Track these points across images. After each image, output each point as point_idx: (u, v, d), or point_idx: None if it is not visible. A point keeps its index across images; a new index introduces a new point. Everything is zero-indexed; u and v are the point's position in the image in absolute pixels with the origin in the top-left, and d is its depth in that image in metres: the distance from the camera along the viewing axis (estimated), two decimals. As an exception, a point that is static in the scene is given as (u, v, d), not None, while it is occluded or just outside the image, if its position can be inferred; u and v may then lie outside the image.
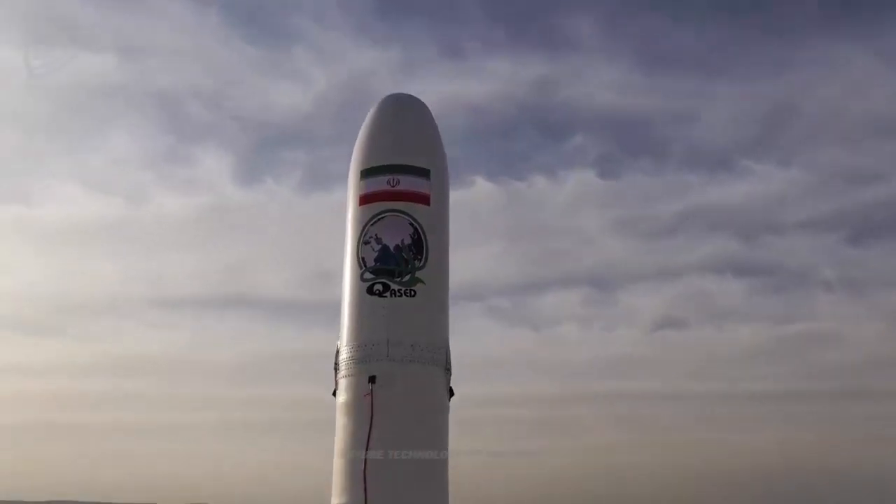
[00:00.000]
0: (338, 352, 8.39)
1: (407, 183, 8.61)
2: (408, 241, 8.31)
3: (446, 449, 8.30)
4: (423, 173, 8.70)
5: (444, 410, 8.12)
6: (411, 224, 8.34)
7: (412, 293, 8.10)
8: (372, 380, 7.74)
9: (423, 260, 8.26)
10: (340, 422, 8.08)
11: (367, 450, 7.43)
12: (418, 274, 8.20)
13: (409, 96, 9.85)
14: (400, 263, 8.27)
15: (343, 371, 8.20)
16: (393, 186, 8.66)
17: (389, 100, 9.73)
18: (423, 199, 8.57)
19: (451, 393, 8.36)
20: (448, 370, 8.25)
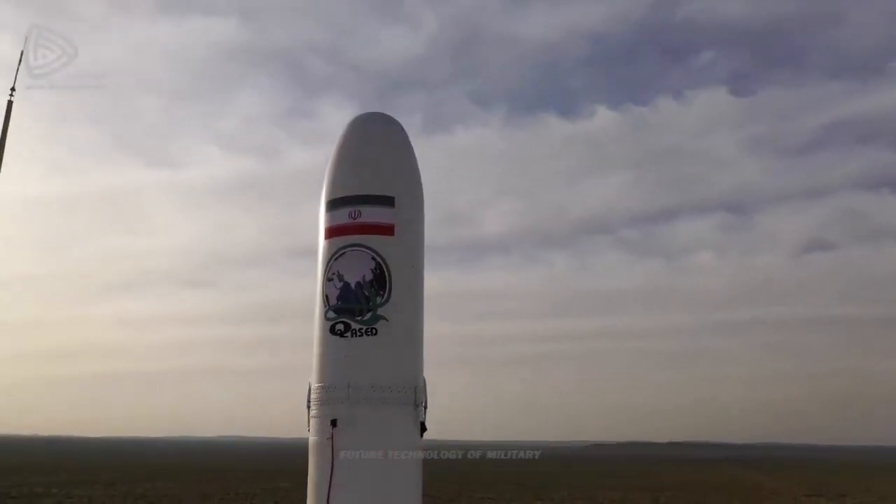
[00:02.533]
0: (310, 389, 8.44)
1: (369, 214, 8.21)
2: (369, 276, 8.08)
3: (416, 485, 8.24)
4: (387, 202, 8.31)
5: (412, 448, 7.96)
6: (373, 258, 8.12)
7: (373, 332, 7.88)
8: (333, 423, 7.75)
9: (385, 296, 7.99)
10: (310, 463, 8.19)
11: (328, 496, 7.54)
12: (380, 311, 7.96)
13: (380, 116, 9.29)
14: (361, 301, 8.04)
15: (312, 411, 8.25)
16: (354, 219, 8.24)
17: (356, 122, 9.23)
18: (387, 230, 8.21)
19: (423, 429, 8.21)
20: (417, 406, 8.15)
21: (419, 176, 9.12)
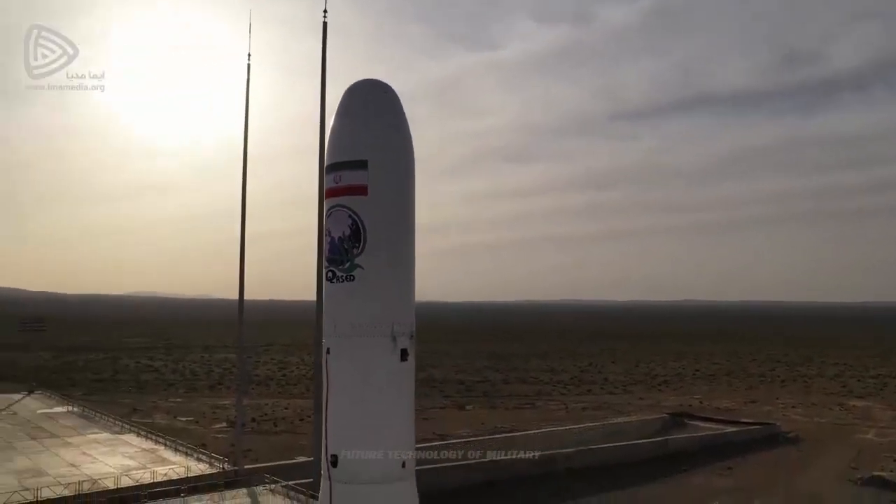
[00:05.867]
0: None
1: (348, 177, 9.87)
2: (347, 232, 9.75)
3: (404, 397, 10.03)
4: (361, 165, 9.75)
5: (393, 372, 9.78)
6: (350, 216, 9.71)
7: (351, 278, 9.67)
8: (328, 351, 9.87)
9: (360, 247, 9.63)
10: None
11: (325, 408, 9.71)
12: (357, 261, 9.69)
13: (369, 84, 10.48)
14: (341, 253, 9.79)
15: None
16: (337, 183, 10.08)
17: (347, 92, 10.56)
18: (361, 191, 9.75)
19: (404, 356, 9.95)
20: (396, 337, 9.81)
21: (402, 138, 10.38)
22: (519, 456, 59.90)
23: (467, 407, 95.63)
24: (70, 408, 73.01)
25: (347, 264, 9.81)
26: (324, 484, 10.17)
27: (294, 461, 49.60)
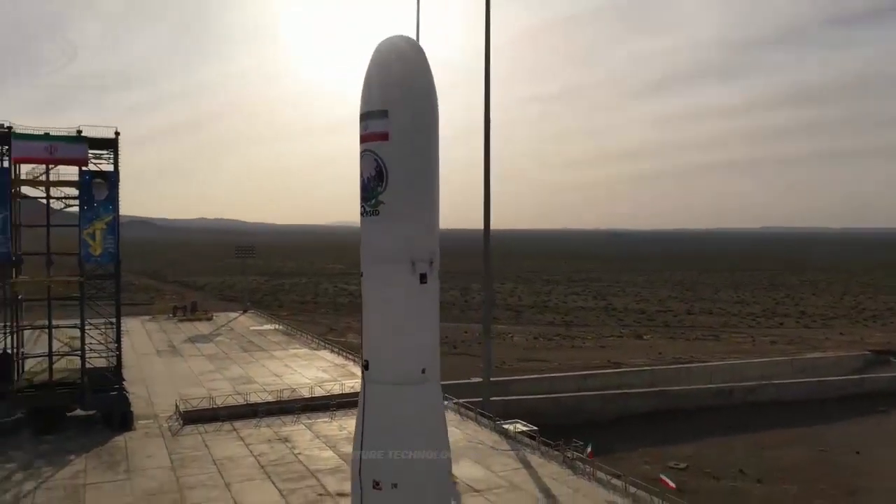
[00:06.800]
0: None
1: (373, 125, 11.44)
2: (373, 173, 11.43)
3: (424, 314, 11.48)
4: (382, 115, 11.26)
5: (413, 293, 11.65)
6: (375, 159, 11.38)
7: (377, 213, 11.45)
8: (362, 275, 12.13)
9: (383, 186, 11.33)
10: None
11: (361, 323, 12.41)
12: (381, 198, 11.40)
13: (396, 41, 11.89)
14: (369, 191, 11.53)
15: None
16: (365, 130, 11.62)
17: (375, 50, 12.09)
18: (383, 137, 11.30)
19: (423, 279, 11.27)
20: (415, 263, 11.55)
21: (421, 90, 11.62)
22: (694, 387, 58.69)
23: (645, 336, 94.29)
24: (276, 326, 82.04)
25: (373, 201, 11.37)
26: (362, 385, 12.16)
27: (466, 381, 52.48)
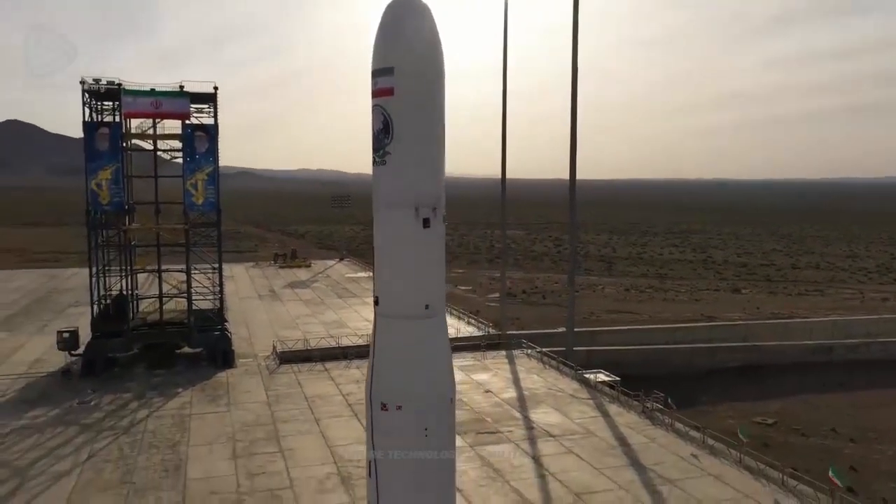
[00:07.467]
0: None
1: (381, 82, 12.41)
2: (381, 126, 12.44)
3: (427, 257, 12.86)
4: (388, 72, 12.21)
5: (417, 237, 12.61)
6: (382, 113, 12.38)
7: (384, 163, 12.56)
8: (372, 220, 13.16)
9: (390, 138, 12.34)
10: None
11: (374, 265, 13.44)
12: (387, 149, 12.43)
13: (403, 3, 11.87)
14: (377, 143, 12.59)
15: None
16: (375, 86, 12.59)
17: (385, 10, 12.35)
18: (388, 92, 12.28)
19: (426, 223, 11.69)
20: (419, 209, 12.53)
21: (426, 48, 12.39)
22: (789, 342, 56.64)
23: (743, 290, 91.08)
24: (370, 273, 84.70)
25: (381, 152, 12.34)
26: (374, 318, 13.33)
27: (552, 331, 52.83)
